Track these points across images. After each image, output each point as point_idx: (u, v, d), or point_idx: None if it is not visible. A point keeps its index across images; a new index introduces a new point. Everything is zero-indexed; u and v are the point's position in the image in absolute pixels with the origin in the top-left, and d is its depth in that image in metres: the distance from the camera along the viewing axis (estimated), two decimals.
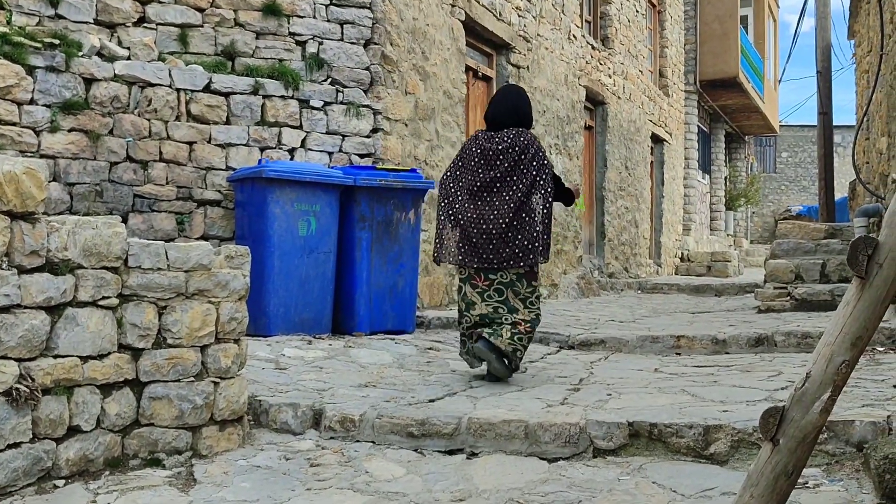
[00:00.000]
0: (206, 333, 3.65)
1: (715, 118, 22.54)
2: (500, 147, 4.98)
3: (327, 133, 7.32)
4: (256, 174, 6.05)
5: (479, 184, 4.98)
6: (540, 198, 4.97)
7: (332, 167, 6.93)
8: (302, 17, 7.41)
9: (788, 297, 8.43)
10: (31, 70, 5.92)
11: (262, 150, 6.92)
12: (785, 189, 34.10)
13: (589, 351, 6.53)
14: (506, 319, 4.93)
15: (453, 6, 9.03)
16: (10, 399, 2.96)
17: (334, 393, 4.56)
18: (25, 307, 3.05)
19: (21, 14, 6.22)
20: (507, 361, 4.97)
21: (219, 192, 6.73)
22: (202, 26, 7.04)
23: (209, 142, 6.72)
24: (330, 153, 7.29)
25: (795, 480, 2.62)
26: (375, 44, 7.61)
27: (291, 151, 7.11)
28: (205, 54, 7.00)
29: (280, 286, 5.96)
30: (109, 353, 3.35)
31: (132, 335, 3.42)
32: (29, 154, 5.82)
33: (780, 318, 7.66)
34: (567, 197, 5.29)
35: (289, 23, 7.36)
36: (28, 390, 3.01)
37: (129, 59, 6.49)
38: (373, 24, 7.61)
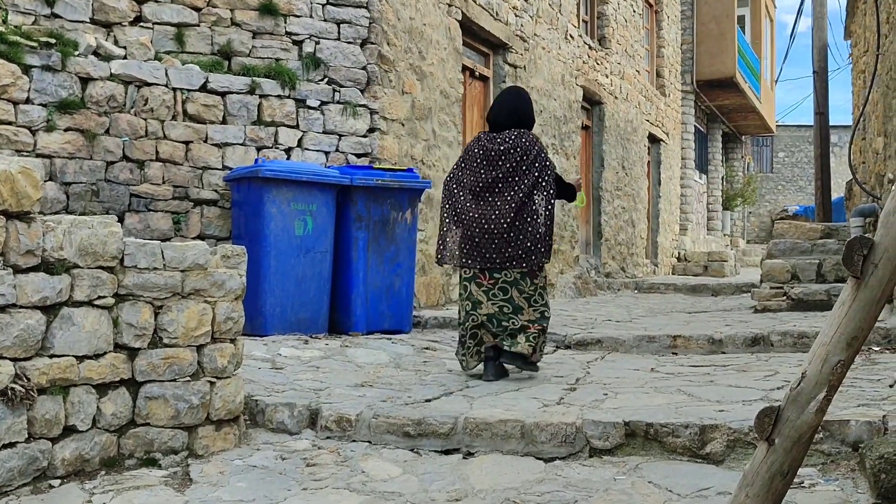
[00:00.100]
0: (202, 333, 3.65)
1: (712, 118, 22.56)
2: (502, 148, 5.02)
3: (324, 133, 7.32)
4: (253, 174, 6.05)
5: (481, 184, 5.02)
6: (542, 198, 5.01)
7: (329, 167, 6.92)
8: (299, 16, 7.41)
9: (785, 297, 8.44)
10: (27, 69, 5.91)
11: (258, 149, 6.92)
12: (781, 189, 34.14)
13: (585, 351, 6.54)
14: (513, 322, 5.00)
15: (450, 6, 9.03)
16: (6, 399, 2.96)
17: (331, 393, 4.55)
18: (21, 307, 3.04)
19: (17, 13, 6.21)
20: (532, 363, 5.12)
21: (215, 191, 6.72)
22: (199, 25, 7.03)
23: (206, 141, 6.71)
24: (327, 153, 7.29)
25: (791, 480, 2.62)
26: (372, 43, 7.61)
27: (288, 151, 7.11)
28: (201, 54, 6.99)
29: (276, 286, 5.95)
30: (105, 353, 3.35)
31: (128, 335, 3.41)
32: (25, 153, 5.82)
33: (777, 318, 7.67)
34: (569, 193, 5.33)
35: (285, 22, 7.36)
36: (24, 390, 3.00)
37: (125, 58, 6.48)
38: (369, 23, 7.61)
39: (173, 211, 6.56)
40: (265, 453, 3.79)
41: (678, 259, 18.17)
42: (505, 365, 5.16)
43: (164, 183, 6.53)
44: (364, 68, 7.56)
